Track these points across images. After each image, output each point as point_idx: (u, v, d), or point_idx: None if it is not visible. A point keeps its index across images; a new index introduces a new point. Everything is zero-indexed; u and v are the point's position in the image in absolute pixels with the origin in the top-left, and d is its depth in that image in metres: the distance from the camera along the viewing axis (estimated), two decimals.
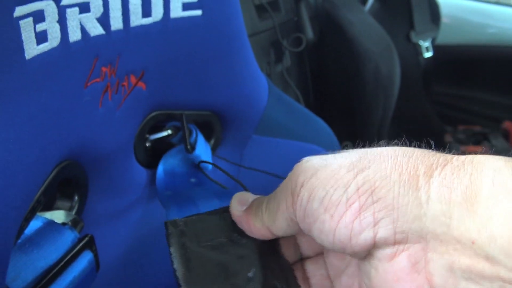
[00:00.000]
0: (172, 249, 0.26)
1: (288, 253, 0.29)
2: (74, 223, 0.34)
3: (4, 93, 0.23)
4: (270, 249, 0.27)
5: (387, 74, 0.89)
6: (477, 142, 1.21)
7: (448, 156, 0.21)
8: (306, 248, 0.29)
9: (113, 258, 0.41)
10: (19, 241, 0.30)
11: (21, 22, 0.24)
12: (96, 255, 0.34)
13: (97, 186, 0.39)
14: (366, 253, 0.22)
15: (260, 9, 0.81)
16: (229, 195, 0.38)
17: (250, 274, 0.25)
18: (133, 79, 0.38)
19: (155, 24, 0.38)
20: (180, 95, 0.44)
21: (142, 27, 0.37)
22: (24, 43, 0.25)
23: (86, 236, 0.33)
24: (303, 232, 0.24)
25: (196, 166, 0.50)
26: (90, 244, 0.33)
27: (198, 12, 0.41)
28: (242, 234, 0.27)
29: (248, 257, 0.26)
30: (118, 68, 0.36)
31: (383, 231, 0.21)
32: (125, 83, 0.37)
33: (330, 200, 0.21)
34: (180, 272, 0.25)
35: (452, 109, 1.38)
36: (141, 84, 0.40)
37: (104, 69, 0.34)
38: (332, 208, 0.21)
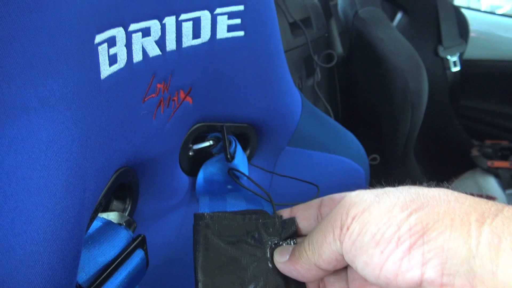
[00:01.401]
0: (196, 238, 0.29)
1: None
2: (128, 224, 0.38)
3: (86, 108, 0.27)
4: None
5: (415, 90, 0.91)
6: (504, 157, 1.21)
7: (499, 205, 0.22)
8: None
9: (159, 258, 0.44)
10: (84, 238, 0.34)
11: (99, 48, 0.28)
12: (146, 254, 0.38)
13: (146, 190, 0.42)
14: None
15: (293, 26, 0.84)
16: (256, 201, 0.42)
17: (257, 272, 0.28)
18: (182, 94, 0.42)
19: (203, 44, 0.42)
20: (221, 109, 0.48)
21: (192, 47, 0.40)
22: (100, 65, 0.29)
23: (139, 236, 0.37)
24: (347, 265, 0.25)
25: (232, 175, 0.54)
26: (142, 243, 0.37)
27: (241, 33, 0.44)
28: (259, 238, 0.30)
29: (259, 258, 0.29)
30: (170, 85, 0.40)
31: (431, 272, 0.21)
32: (175, 98, 0.41)
33: (382, 236, 0.22)
34: (198, 259, 0.28)
35: (479, 123, 1.38)
36: (188, 99, 0.43)
37: (159, 85, 0.38)
38: (384, 244, 0.22)
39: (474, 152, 1.22)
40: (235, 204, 0.42)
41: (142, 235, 0.37)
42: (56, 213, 0.24)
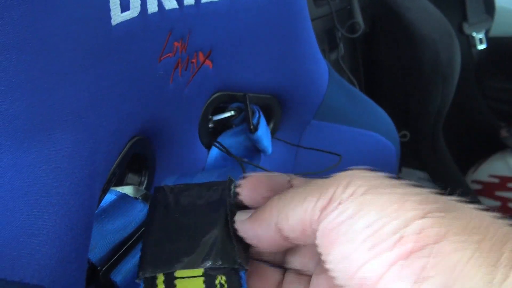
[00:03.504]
0: (148, 213, 0.25)
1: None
2: (145, 198, 0.34)
3: (93, 56, 0.23)
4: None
5: (447, 61, 0.85)
6: None
7: None
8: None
9: None
10: (96, 212, 0.31)
11: None
12: None
13: (164, 163, 0.39)
14: None
15: None
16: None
17: (212, 240, 0.23)
18: (201, 57, 0.38)
19: (223, 1, 0.38)
20: (243, 76, 0.44)
21: (211, 3, 0.36)
22: (110, 8, 0.25)
23: None
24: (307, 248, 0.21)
25: (253, 150, 0.50)
26: None
27: None
28: (217, 205, 0.25)
29: (212, 223, 0.24)
30: (188, 44, 0.36)
31: None
32: (194, 60, 0.37)
33: (381, 228, 0.17)
34: (147, 232, 0.24)
35: (507, 104, 1.32)
36: (208, 62, 0.39)
37: (176, 44, 0.34)
38: (378, 238, 0.17)
39: (504, 133, 1.17)
40: (203, 178, 0.37)
41: None
42: (62, 172, 0.20)
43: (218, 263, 0.21)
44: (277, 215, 0.20)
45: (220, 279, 0.22)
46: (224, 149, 0.44)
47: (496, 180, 1.15)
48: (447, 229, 0.16)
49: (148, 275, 0.21)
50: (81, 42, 0.22)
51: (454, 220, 0.16)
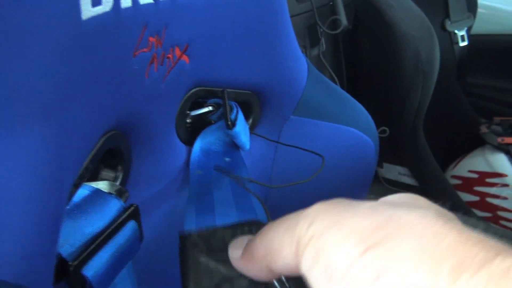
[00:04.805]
0: (183, 260, 0.26)
1: None
2: (120, 193, 0.34)
3: (62, 50, 0.23)
4: None
5: (427, 58, 0.86)
6: None
7: (494, 249, 0.16)
8: None
9: (153, 233, 0.41)
10: (68, 207, 0.31)
11: None
12: (140, 226, 0.34)
13: (139, 158, 0.39)
14: None
15: None
16: (247, 204, 0.37)
17: None
18: (177, 52, 0.38)
19: None
20: (222, 72, 0.44)
21: None
22: (81, 2, 0.25)
23: (131, 205, 0.33)
24: None
25: (233, 145, 0.50)
26: (135, 214, 0.33)
27: None
28: None
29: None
30: (164, 40, 0.36)
31: None
32: (170, 55, 0.37)
33: (334, 271, 0.18)
34: (189, 283, 0.25)
35: (487, 101, 1.34)
36: (185, 58, 0.39)
37: (151, 39, 0.34)
38: (336, 281, 0.18)
39: (484, 129, 1.19)
40: (224, 214, 0.37)
41: (135, 205, 0.33)
42: (27, 168, 0.20)
43: None
44: (265, 260, 0.21)
45: None
46: (225, 172, 0.44)
47: (475, 176, 1.17)
48: (384, 263, 0.16)
49: None
50: (49, 36, 0.22)
51: (391, 251, 0.17)
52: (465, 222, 0.18)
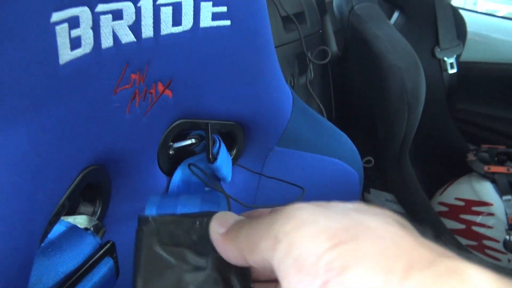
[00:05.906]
0: (137, 245, 0.26)
1: None
2: (96, 229, 0.34)
3: (38, 97, 0.23)
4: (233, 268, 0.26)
5: (412, 90, 0.87)
6: (501, 162, 1.18)
7: (439, 254, 0.18)
8: None
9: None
10: (42, 244, 0.31)
11: (57, 28, 0.25)
12: (116, 262, 0.34)
13: (119, 192, 0.39)
14: None
15: (286, 20, 0.81)
16: (214, 201, 0.37)
17: (195, 282, 0.25)
18: (160, 87, 0.38)
19: (184, 33, 0.38)
20: (205, 105, 0.44)
21: (172, 35, 0.37)
22: (58, 48, 0.25)
23: (107, 242, 0.33)
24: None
25: (214, 177, 0.50)
26: (111, 251, 0.33)
27: (227, 22, 0.41)
28: (204, 248, 0.26)
29: (200, 267, 0.25)
30: (146, 76, 0.36)
31: None
32: (153, 91, 0.38)
33: (303, 263, 0.19)
34: (139, 268, 0.25)
35: (475, 127, 1.36)
36: (168, 92, 0.40)
37: (133, 76, 0.34)
38: (304, 272, 0.19)
39: (471, 156, 1.20)
40: (187, 204, 0.37)
41: (111, 242, 0.33)
42: None
43: None
44: (244, 249, 0.23)
45: None
46: (202, 172, 0.44)
47: (461, 203, 1.17)
48: (349, 259, 0.18)
49: None
50: (24, 85, 0.22)
51: (356, 249, 0.19)
52: (420, 232, 0.21)
